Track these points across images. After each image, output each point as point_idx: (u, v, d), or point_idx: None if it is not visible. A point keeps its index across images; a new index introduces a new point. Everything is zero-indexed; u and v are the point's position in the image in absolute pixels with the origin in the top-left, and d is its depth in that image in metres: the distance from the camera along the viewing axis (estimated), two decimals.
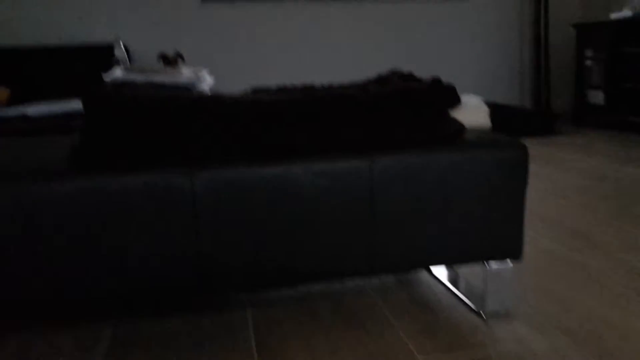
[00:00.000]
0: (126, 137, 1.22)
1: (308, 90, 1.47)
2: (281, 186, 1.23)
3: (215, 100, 1.27)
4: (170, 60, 3.49)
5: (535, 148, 3.68)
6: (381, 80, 1.59)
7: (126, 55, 2.79)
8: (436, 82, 1.39)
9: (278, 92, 1.51)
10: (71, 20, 3.77)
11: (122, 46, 2.78)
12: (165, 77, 2.31)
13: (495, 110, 1.71)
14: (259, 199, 1.23)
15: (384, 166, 1.27)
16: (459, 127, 1.37)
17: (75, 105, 2.32)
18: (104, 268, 1.20)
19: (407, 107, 1.31)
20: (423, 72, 3.14)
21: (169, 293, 1.26)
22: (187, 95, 1.30)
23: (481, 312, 1.42)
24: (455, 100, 1.42)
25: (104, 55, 3.43)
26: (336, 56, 4.19)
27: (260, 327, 1.39)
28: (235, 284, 1.27)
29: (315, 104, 1.28)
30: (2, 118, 2.26)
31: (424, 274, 1.71)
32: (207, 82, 2.44)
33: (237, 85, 3.48)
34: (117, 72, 2.42)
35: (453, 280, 1.62)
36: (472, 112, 1.48)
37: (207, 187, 1.21)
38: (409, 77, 1.56)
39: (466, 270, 1.68)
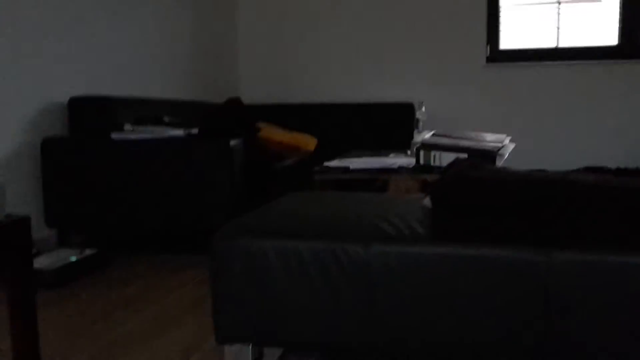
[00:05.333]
0: (482, 214, 1.38)
1: None
2: None
3: (571, 186, 1.35)
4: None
5: None
6: None
7: (426, 118, 3.06)
8: None
9: (616, 174, 1.52)
10: (370, 81, 4.28)
11: (424, 109, 3.06)
12: (471, 142, 2.48)
13: None
14: (597, 287, 1.26)
15: None
16: None
17: (389, 161, 2.64)
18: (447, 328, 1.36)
19: None
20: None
21: None
22: (541, 177, 1.41)
23: None
24: None
25: (398, 113, 3.80)
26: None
27: None
28: None
29: None
30: (329, 168, 2.67)
31: None
32: (508, 149, 2.54)
33: (523, 149, 3.50)
34: (427, 135, 2.68)
35: None
36: None
37: (564, 269, 1.28)
38: None
39: None
